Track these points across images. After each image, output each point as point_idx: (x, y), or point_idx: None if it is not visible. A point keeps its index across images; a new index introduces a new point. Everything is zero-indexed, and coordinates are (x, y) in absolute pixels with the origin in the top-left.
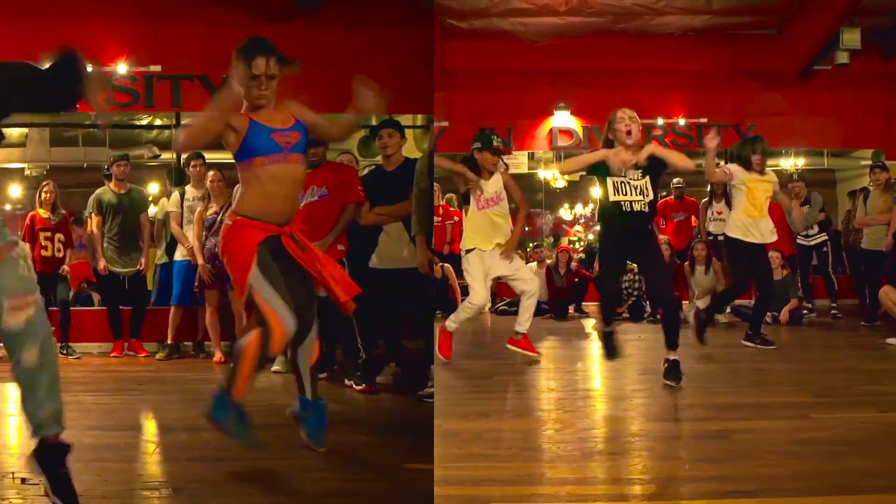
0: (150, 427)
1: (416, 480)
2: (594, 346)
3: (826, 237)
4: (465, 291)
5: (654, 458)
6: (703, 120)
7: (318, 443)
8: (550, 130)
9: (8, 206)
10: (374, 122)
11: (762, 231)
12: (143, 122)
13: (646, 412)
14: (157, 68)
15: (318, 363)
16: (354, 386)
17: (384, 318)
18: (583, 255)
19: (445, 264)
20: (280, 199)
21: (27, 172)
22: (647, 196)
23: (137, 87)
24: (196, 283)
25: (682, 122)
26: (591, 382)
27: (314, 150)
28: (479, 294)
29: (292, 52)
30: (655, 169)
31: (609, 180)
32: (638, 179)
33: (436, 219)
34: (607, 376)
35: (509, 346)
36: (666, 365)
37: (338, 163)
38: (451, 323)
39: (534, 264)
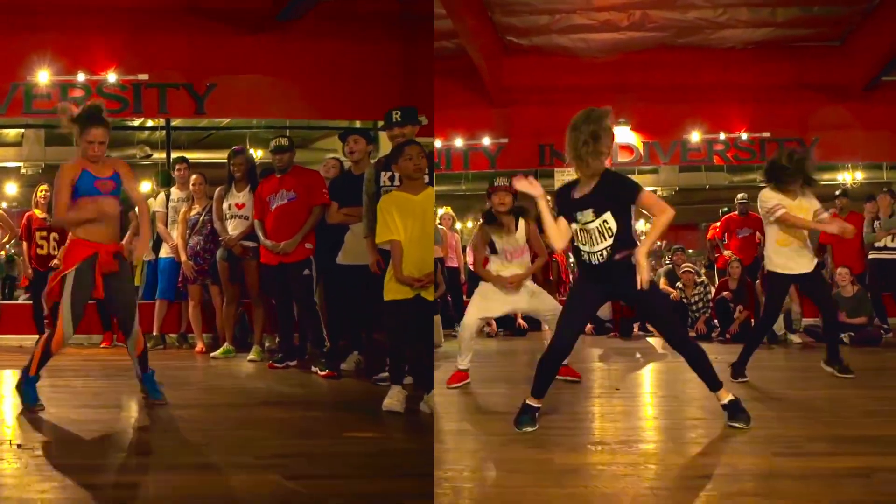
0: (130, 407)
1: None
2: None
3: None
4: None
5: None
6: (766, 134)
7: (155, 397)
8: None
9: (4, 204)
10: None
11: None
12: (135, 124)
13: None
14: (144, 77)
15: (144, 352)
16: (319, 372)
17: (349, 311)
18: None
19: None
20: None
21: (23, 171)
22: (607, 240)
23: (126, 94)
24: (179, 279)
25: (744, 136)
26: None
27: (280, 156)
28: (466, 316)
29: (270, 61)
30: (611, 200)
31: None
32: (592, 221)
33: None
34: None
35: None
36: (726, 410)
37: (304, 168)
38: (461, 361)
39: None
